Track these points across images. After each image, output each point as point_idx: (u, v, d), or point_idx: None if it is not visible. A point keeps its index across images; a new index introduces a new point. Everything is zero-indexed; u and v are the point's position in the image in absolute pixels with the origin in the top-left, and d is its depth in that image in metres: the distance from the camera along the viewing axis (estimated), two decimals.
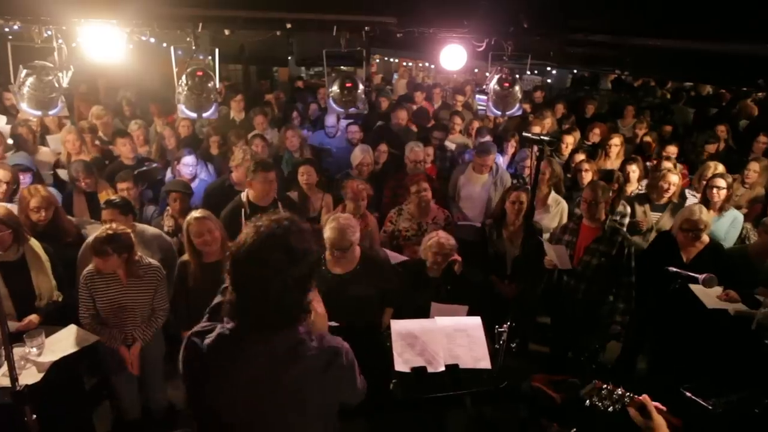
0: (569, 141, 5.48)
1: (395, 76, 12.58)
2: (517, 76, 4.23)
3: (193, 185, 4.48)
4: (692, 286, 3.09)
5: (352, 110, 4.22)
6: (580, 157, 4.94)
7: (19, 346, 2.62)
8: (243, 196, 3.64)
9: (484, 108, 4.47)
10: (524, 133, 3.07)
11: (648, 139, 5.87)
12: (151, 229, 3.53)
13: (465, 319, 2.72)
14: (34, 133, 5.10)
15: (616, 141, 5.27)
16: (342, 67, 4.92)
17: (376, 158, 4.82)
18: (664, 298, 3.25)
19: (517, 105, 4.21)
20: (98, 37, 3.42)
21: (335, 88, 4.11)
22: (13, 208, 3.31)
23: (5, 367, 2.10)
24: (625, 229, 4.07)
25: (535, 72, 9.99)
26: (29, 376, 2.52)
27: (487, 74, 4.26)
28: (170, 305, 3.19)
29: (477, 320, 2.70)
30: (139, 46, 5.45)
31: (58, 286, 3.09)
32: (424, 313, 2.93)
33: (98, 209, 4.02)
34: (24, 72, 3.45)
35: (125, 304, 2.99)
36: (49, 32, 3.42)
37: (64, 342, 2.77)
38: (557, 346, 3.94)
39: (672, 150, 5.33)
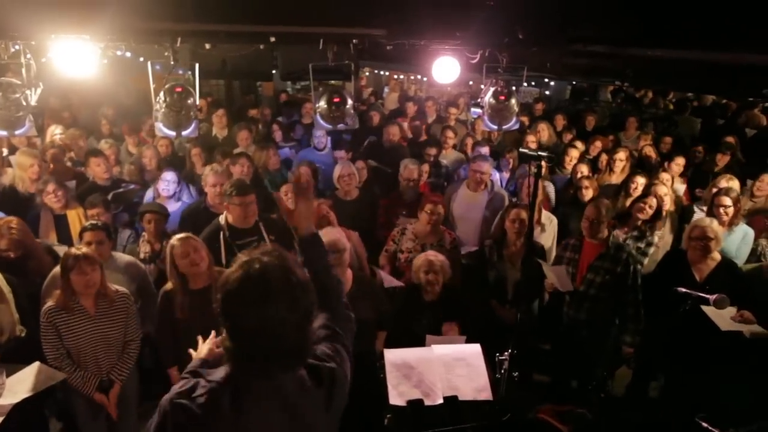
0: (574, 155, 5.55)
1: (386, 89, 12.73)
2: (514, 88, 4.30)
3: (176, 207, 4.46)
4: (704, 308, 3.10)
5: (341, 126, 4.25)
6: (582, 171, 4.99)
7: None
8: (221, 219, 3.62)
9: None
10: (521, 149, 3.11)
11: (652, 152, 5.94)
12: (125, 257, 3.50)
13: (464, 346, 2.70)
14: (0, 153, 5.06)
15: (621, 156, 5.31)
16: (330, 81, 4.96)
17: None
18: (676, 320, 3.25)
19: (514, 119, 4.26)
20: (70, 52, 3.43)
21: (322, 104, 4.14)
22: None
23: None
24: (646, 260, 4.08)
25: (533, 84, 10.15)
26: None
27: (482, 87, 4.32)
28: (152, 338, 3.17)
29: (476, 348, 2.68)
30: (114, 61, 5.48)
31: (22, 320, 3.03)
32: (420, 341, 2.90)
33: (66, 230, 4.00)
34: None
35: (97, 338, 2.94)
36: (17, 47, 3.43)
37: (27, 382, 2.69)
38: (562, 374, 3.92)
39: (680, 161, 5.39)
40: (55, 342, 2.90)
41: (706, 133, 7.71)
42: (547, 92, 11.08)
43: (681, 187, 5.25)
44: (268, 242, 3.59)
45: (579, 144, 5.96)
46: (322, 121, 4.20)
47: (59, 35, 3.32)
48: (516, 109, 4.26)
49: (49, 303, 2.91)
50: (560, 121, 7.30)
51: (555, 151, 5.75)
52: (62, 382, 2.85)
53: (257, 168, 5.15)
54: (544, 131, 6.51)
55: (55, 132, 5.66)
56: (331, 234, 2.99)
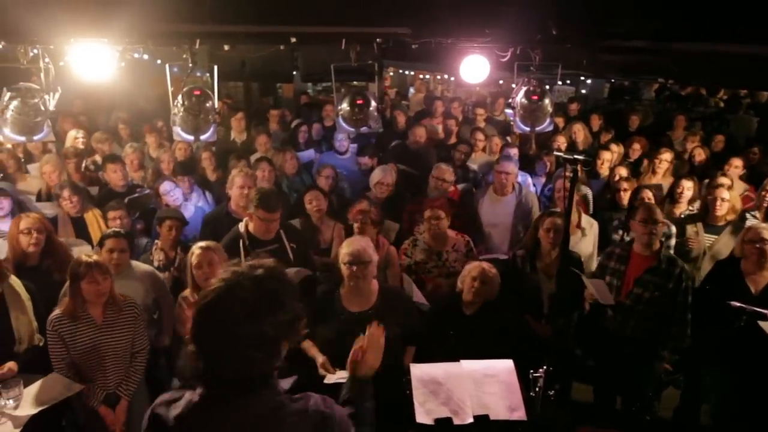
0: (606, 157, 5.48)
1: (411, 90, 12.78)
2: (547, 87, 4.27)
3: (190, 212, 4.57)
4: (762, 324, 3.01)
5: (364, 129, 4.29)
6: (622, 173, 4.92)
7: None
8: (241, 226, 3.67)
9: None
10: (556, 152, 3.09)
11: (701, 154, 5.80)
12: (143, 266, 3.60)
13: (495, 362, 2.68)
14: (17, 159, 5.26)
15: (666, 156, 5.21)
16: (353, 82, 5.01)
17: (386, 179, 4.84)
18: (729, 337, 3.16)
19: (548, 120, 4.23)
20: (88, 55, 3.56)
21: (345, 106, 4.19)
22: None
23: None
24: (672, 251, 4.01)
25: (567, 82, 10.06)
26: None
27: (513, 86, 4.31)
28: (169, 346, 3.25)
29: (509, 364, 2.65)
30: (131, 64, 5.65)
31: (40, 328, 3.13)
32: (454, 356, 2.88)
33: (85, 232, 4.14)
34: (8, 95, 3.59)
35: (103, 348, 3.02)
36: (36, 51, 3.58)
37: (44, 393, 2.79)
38: (604, 393, 3.84)
39: (737, 163, 5.24)
40: (61, 352, 2.98)
41: (764, 133, 7.48)
42: (583, 91, 10.97)
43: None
44: (289, 250, 3.64)
45: (614, 146, 5.87)
46: (344, 124, 4.24)
47: (78, 39, 3.45)
48: (550, 109, 4.22)
49: (56, 311, 3.00)
50: (596, 121, 7.21)
51: (591, 154, 5.68)
52: (78, 394, 2.93)
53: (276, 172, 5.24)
54: (580, 132, 6.43)
55: (77, 136, 5.85)
56: (356, 244, 2.99)
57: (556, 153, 3.28)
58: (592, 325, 3.73)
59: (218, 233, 3.75)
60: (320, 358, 2.87)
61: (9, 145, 5.14)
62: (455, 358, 2.73)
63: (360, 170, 5.54)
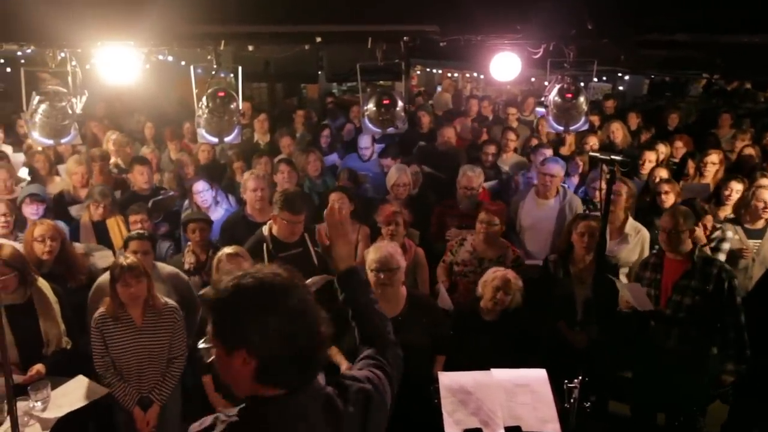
0: (650, 158, 5.36)
1: (438, 89, 12.76)
2: (582, 84, 4.21)
3: (219, 215, 4.65)
4: None
5: (390, 130, 4.30)
6: (662, 174, 4.81)
7: (23, 400, 2.74)
8: (265, 229, 3.73)
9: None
10: (591, 153, 3.04)
11: (750, 152, 5.63)
12: (167, 267, 3.69)
13: (527, 371, 2.65)
14: (50, 161, 5.45)
15: (713, 158, 5.07)
16: (379, 81, 5.02)
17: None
18: None
19: (583, 119, 4.17)
20: (114, 58, 3.67)
21: (371, 106, 4.21)
22: (20, 246, 3.53)
23: (7, 424, 2.21)
24: (724, 257, 3.90)
25: (603, 78, 9.91)
26: None
27: (546, 83, 4.27)
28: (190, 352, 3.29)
29: (542, 373, 2.63)
30: (154, 65, 5.79)
31: (67, 331, 3.24)
32: (478, 364, 2.87)
33: (106, 239, 4.25)
34: (36, 99, 3.73)
35: (141, 350, 3.13)
36: (63, 54, 3.71)
37: (71, 395, 2.89)
38: (644, 407, 3.75)
39: None
40: (102, 351, 3.12)
41: None
42: (620, 87, 10.79)
43: None
44: (314, 255, 3.68)
45: (662, 146, 5.74)
46: (370, 125, 4.27)
47: (105, 41, 3.56)
48: (585, 107, 4.16)
49: (101, 309, 3.14)
50: (634, 119, 7.08)
51: (630, 154, 5.57)
52: (107, 396, 3.03)
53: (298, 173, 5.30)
54: (618, 131, 6.32)
55: (112, 137, 6.06)
56: (383, 250, 3.00)
57: (591, 153, 3.23)
58: (631, 337, 3.65)
59: (236, 238, 3.82)
60: (344, 365, 2.91)
61: (40, 148, 5.34)
62: (476, 365, 2.72)
63: (383, 172, 5.55)
